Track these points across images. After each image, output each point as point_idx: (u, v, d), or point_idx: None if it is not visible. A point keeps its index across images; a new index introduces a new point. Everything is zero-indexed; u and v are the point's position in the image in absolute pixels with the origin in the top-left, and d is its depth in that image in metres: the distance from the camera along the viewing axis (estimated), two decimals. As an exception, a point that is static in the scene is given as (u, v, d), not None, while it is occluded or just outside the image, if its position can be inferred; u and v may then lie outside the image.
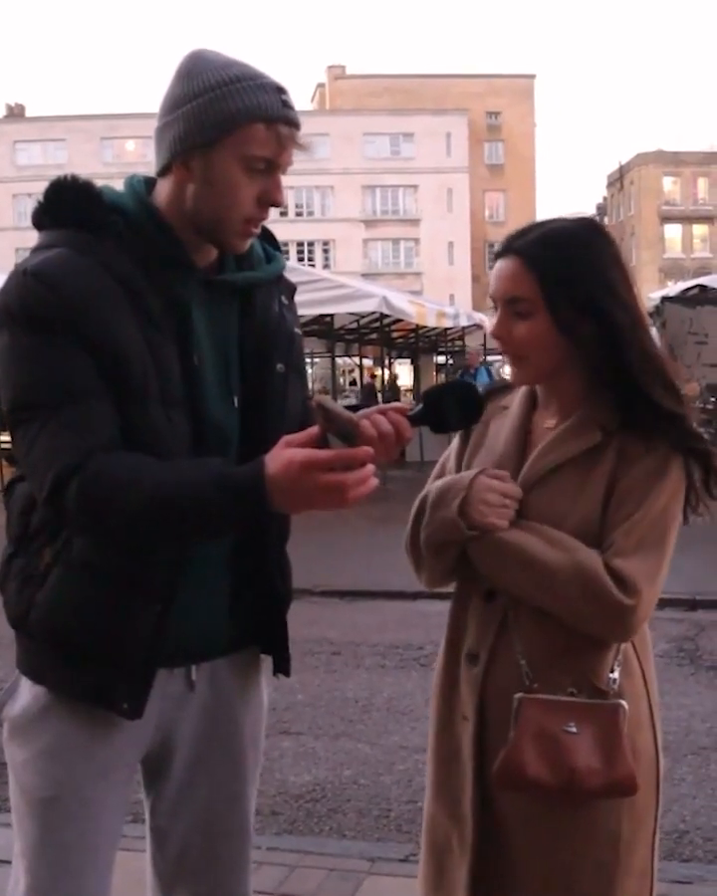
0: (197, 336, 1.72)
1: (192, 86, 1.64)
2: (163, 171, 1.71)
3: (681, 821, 3.73)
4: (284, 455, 1.49)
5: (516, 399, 1.97)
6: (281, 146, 1.65)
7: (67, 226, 1.67)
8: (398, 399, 19.66)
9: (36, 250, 1.68)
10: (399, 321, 15.67)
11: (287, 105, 1.65)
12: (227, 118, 1.62)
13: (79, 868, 1.74)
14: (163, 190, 1.72)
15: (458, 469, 1.97)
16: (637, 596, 1.73)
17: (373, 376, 22.16)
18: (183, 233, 1.71)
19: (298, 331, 1.93)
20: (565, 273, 1.78)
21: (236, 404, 1.78)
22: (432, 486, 1.91)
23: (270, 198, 1.68)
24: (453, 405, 1.70)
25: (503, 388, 2.03)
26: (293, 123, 1.66)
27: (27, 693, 1.77)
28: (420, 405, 1.70)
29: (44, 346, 1.60)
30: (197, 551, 1.73)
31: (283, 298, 1.88)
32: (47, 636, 1.72)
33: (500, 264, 1.84)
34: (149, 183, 1.76)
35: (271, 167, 1.66)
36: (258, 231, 1.75)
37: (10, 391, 1.64)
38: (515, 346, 1.84)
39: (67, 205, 1.69)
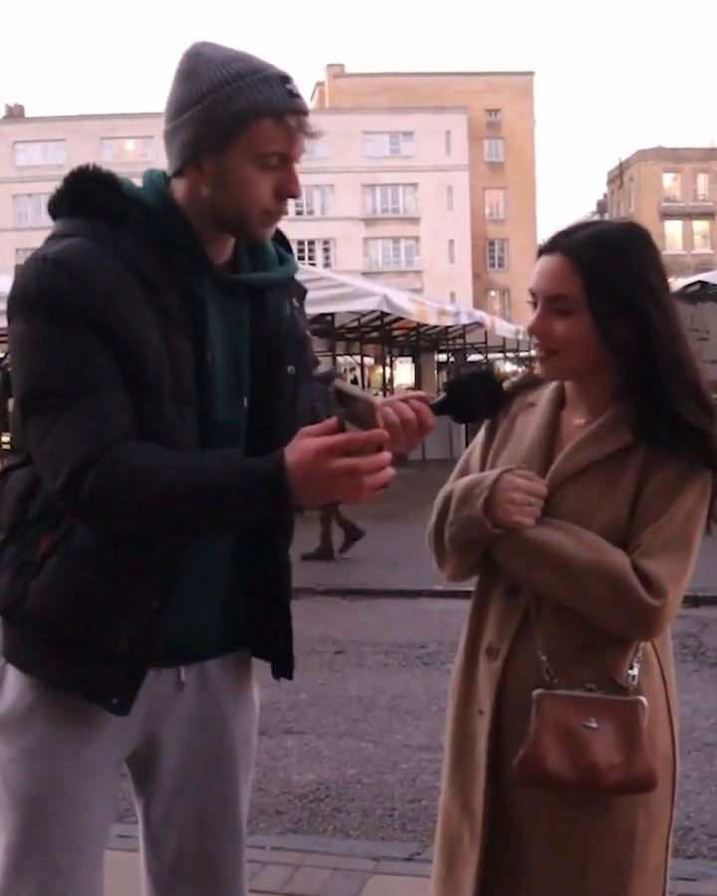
0: (211, 334, 1.71)
1: (195, 88, 1.62)
2: (177, 174, 1.70)
3: (686, 818, 3.72)
4: (299, 444, 1.48)
5: (544, 396, 1.97)
6: (291, 139, 1.64)
7: (85, 215, 1.66)
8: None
9: (53, 238, 1.66)
10: (400, 319, 15.68)
11: (293, 93, 1.63)
12: (234, 119, 1.60)
13: (64, 867, 1.73)
14: (179, 189, 1.70)
15: (483, 465, 1.97)
16: (664, 597, 1.74)
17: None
18: (201, 230, 1.70)
19: (308, 333, 1.92)
20: (608, 274, 1.79)
21: (245, 404, 1.77)
22: (457, 483, 1.91)
23: (286, 190, 1.68)
24: (477, 394, 1.71)
25: (530, 384, 2.02)
26: (301, 111, 1.64)
27: (13, 689, 1.75)
28: (444, 394, 1.70)
29: (61, 335, 1.58)
30: (199, 549, 1.71)
31: (294, 300, 1.87)
32: (39, 626, 1.69)
33: (544, 260, 1.85)
34: (169, 179, 1.74)
35: (284, 160, 1.66)
36: (279, 219, 1.74)
37: (25, 379, 1.62)
38: (552, 342, 1.85)
39: (86, 194, 1.67)
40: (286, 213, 1.73)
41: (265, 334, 1.79)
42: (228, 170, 1.64)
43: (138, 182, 1.75)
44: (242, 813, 1.93)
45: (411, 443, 1.62)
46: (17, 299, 1.63)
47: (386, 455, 1.48)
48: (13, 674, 1.76)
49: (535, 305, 1.87)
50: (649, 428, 1.80)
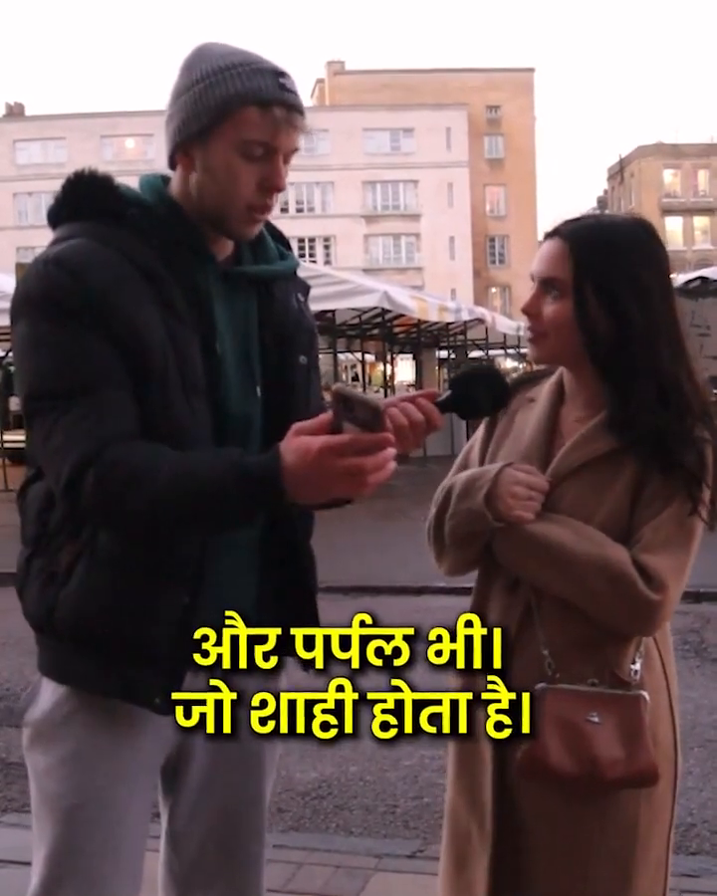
0: (219, 327, 1.71)
1: (190, 76, 1.64)
2: (171, 164, 1.71)
3: (688, 814, 3.73)
4: (299, 443, 1.46)
5: (543, 391, 1.97)
6: (276, 129, 1.63)
7: (85, 218, 1.67)
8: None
9: (55, 242, 1.67)
10: (401, 316, 15.67)
11: (284, 87, 1.63)
12: (220, 105, 1.61)
13: (102, 877, 1.72)
14: (175, 183, 1.72)
15: (482, 460, 1.98)
16: (664, 592, 1.74)
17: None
18: (200, 224, 1.70)
19: (315, 327, 1.92)
20: (599, 264, 1.79)
21: (259, 394, 1.77)
22: (457, 477, 1.91)
23: (270, 183, 1.66)
24: (482, 391, 1.71)
25: (530, 380, 2.03)
26: (290, 106, 1.63)
27: (49, 698, 1.74)
28: (449, 392, 1.70)
29: (64, 335, 1.58)
30: (225, 542, 1.70)
31: (299, 295, 1.88)
32: (72, 634, 1.68)
33: (546, 244, 1.87)
34: (167, 181, 1.76)
35: (269, 152, 1.65)
36: (264, 217, 1.73)
37: (28, 380, 1.62)
38: (540, 324, 1.86)
39: (85, 196, 1.68)
40: (271, 210, 1.73)
41: (274, 325, 1.79)
42: (213, 157, 1.64)
43: (136, 186, 1.76)
44: (264, 814, 1.93)
45: (418, 442, 1.61)
46: (19, 302, 1.63)
47: (391, 451, 1.45)
48: (49, 685, 1.75)
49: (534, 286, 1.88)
50: (618, 425, 1.80)
